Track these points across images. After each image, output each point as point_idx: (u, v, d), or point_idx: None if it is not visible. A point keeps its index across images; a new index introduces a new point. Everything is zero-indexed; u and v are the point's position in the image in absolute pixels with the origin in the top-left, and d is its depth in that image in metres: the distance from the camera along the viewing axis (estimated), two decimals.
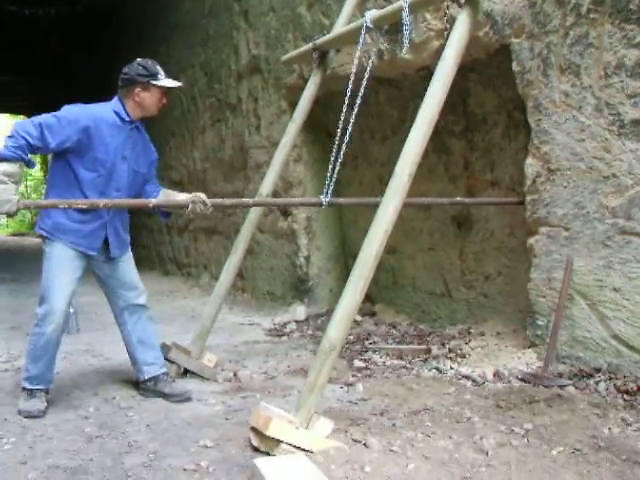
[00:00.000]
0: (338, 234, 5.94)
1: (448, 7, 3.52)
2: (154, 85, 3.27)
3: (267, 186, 3.92)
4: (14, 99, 21.88)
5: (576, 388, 3.12)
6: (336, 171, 3.42)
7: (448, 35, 3.08)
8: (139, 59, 3.34)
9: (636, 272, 3.07)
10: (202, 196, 3.27)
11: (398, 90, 4.77)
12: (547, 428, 2.65)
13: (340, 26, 4.00)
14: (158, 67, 3.31)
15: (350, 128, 3.33)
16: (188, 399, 3.33)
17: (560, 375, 3.28)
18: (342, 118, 3.42)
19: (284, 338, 4.90)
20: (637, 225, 3.06)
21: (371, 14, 3.47)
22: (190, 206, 3.24)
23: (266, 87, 6.16)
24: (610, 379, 3.11)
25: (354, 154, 5.42)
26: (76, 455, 2.63)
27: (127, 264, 3.44)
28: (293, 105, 4.84)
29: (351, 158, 5.42)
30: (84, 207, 3.09)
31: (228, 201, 3.85)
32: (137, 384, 3.51)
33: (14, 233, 25.77)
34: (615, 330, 3.17)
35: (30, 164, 3.07)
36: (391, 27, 3.63)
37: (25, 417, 3.12)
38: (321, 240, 5.86)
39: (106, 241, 3.31)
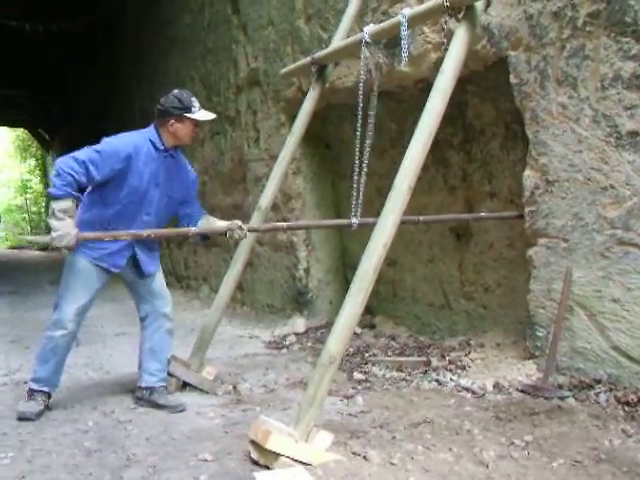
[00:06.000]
0: (338, 246, 5.94)
1: (446, 21, 3.55)
2: (188, 118, 3.36)
3: (266, 199, 3.94)
4: (14, 112, 21.98)
5: (576, 399, 3.11)
6: (362, 192, 3.39)
7: (446, 48, 3.10)
8: (176, 91, 3.45)
9: (635, 283, 3.08)
10: (238, 222, 3.40)
11: (397, 103, 4.79)
12: (547, 440, 2.65)
13: (338, 40, 4.02)
14: (193, 99, 3.41)
15: (368, 147, 3.32)
16: (182, 411, 3.35)
17: (560, 386, 3.27)
18: (358, 137, 3.39)
19: (284, 351, 4.89)
20: (635, 236, 3.06)
21: (370, 28, 3.49)
22: (228, 233, 3.37)
23: (265, 100, 6.19)
24: (610, 390, 3.10)
25: (353, 167, 5.42)
26: (75, 470, 2.62)
27: (157, 274, 3.56)
28: (292, 118, 4.86)
29: (350, 170, 5.43)
30: (129, 239, 3.25)
31: (263, 226, 3.91)
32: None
33: (13, 246, 25.75)
34: (615, 341, 3.17)
35: (79, 199, 3.25)
36: (389, 40, 3.65)
37: (18, 418, 3.22)
38: (320, 252, 5.86)
39: (134, 258, 3.42)
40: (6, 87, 17.52)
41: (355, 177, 3.44)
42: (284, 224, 3.96)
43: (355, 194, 3.43)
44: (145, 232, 3.22)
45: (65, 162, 3.13)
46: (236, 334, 5.62)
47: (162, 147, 3.38)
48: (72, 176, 3.10)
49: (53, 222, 3.07)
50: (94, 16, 11.82)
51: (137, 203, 3.33)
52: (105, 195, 3.29)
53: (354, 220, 3.50)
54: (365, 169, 3.37)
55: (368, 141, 3.30)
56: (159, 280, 3.57)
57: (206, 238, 3.73)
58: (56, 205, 3.08)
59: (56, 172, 3.12)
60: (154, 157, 3.35)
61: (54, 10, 12.00)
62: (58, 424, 3.21)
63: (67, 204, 3.10)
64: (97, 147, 3.22)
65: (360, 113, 3.39)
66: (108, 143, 3.27)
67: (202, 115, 3.43)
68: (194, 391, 3.69)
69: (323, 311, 5.74)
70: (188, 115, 3.36)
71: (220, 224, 3.51)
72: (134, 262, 3.43)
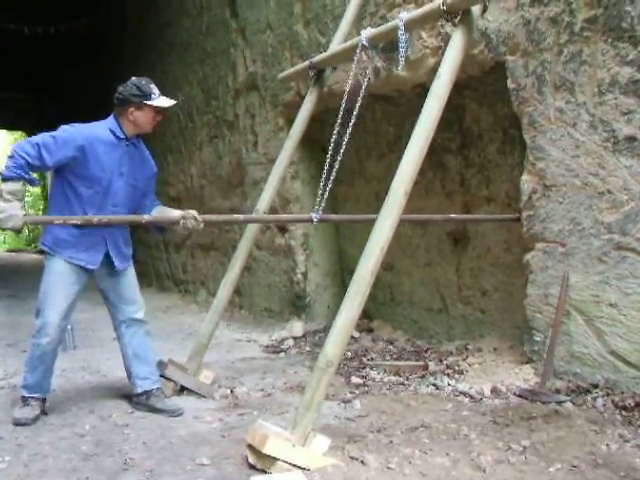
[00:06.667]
0: (335, 250, 5.94)
1: (443, 25, 3.56)
2: (147, 105, 3.34)
3: (264, 203, 3.93)
4: (12, 115, 21.95)
5: (573, 404, 3.11)
6: (328, 188, 3.42)
7: (443, 53, 3.11)
8: (134, 78, 3.41)
9: (632, 287, 3.08)
10: (193, 212, 3.33)
11: (394, 107, 4.80)
12: (545, 445, 2.64)
13: (336, 44, 4.03)
14: (152, 86, 3.37)
15: (344, 145, 3.34)
16: (180, 415, 3.34)
17: (557, 391, 3.28)
18: (334, 135, 3.43)
19: (281, 355, 4.89)
20: (632, 240, 3.07)
21: (367, 33, 3.49)
22: (181, 222, 3.29)
23: (263, 104, 6.20)
24: (607, 395, 3.11)
25: (351, 171, 5.44)
26: (72, 474, 2.61)
27: (128, 278, 3.50)
28: (290, 122, 4.86)
29: (348, 175, 5.44)
30: (79, 223, 3.17)
31: (219, 217, 3.88)
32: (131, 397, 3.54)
33: (11, 249, 25.73)
34: (612, 346, 3.17)
35: (32, 182, 3.21)
36: (387, 44, 3.66)
37: (14, 425, 3.20)
38: (318, 256, 5.87)
39: (107, 255, 3.38)
40: (4, 90, 17.51)
41: (324, 174, 3.46)
42: (241, 216, 3.93)
43: (321, 190, 3.46)
44: (95, 218, 3.16)
45: (20, 146, 3.16)
46: (234, 338, 5.61)
47: (123, 136, 3.36)
48: (25, 159, 3.11)
49: (0, 203, 3.06)
50: (93, 19, 11.83)
51: (102, 194, 3.30)
52: (69, 188, 3.28)
53: (315, 215, 3.52)
54: (336, 167, 3.38)
55: (345, 140, 3.31)
56: (131, 286, 3.51)
57: (162, 230, 3.70)
58: (5, 186, 3.08)
59: (10, 154, 3.14)
60: (115, 146, 3.33)
61: (52, 13, 12.00)
62: (55, 428, 3.20)
63: (16, 186, 3.10)
64: (53, 133, 3.22)
65: (342, 111, 3.40)
66: (64, 130, 3.27)
67: (162, 102, 3.38)
68: (191, 395, 3.68)
69: (321, 315, 5.74)
70: (148, 102, 3.33)
71: (174, 213, 3.44)
72: (107, 260, 3.39)
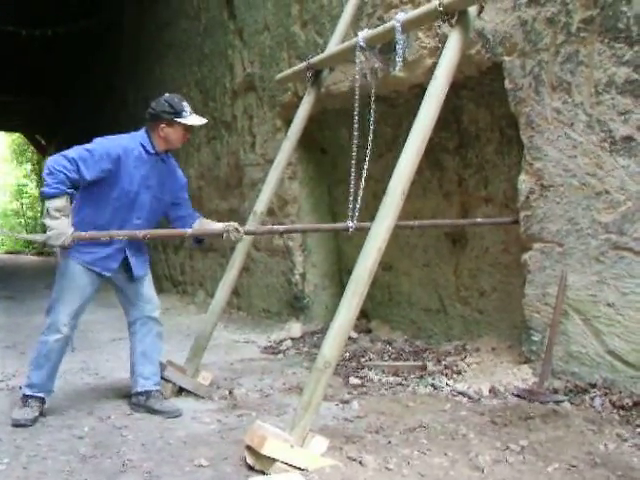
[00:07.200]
0: (333, 251, 5.94)
1: (440, 26, 3.56)
2: (178, 122, 3.36)
3: (262, 204, 3.94)
4: (10, 118, 21.96)
5: (571, 404, 3.12)
6: (359, 197, 3.39)
7: (440, 53, 3.11)
8: (166, 95, 3.44)
9: (629, 287, 3.09)
10: (234, 225, 3.40)
11: (392, 107, 4.80)
12: (543, 444, 2.65)
13: (334, 45, 4.03)
14: (184, 104, 3.40)
15: (369, 151, 3.31)
16: (178, 416, 3.35)
17: (555, 391, 3.28)
18: (355, 142, 3.39)
19: (280, 356, 4.89)
20: (630, 240, 3.08)
21: (364, 34, 3.50)
22: (224, 235, 3.36)
23: (261, 105, 6.20)
24: (605, 394, 3.11)
25: (350, 171, 5.43)
26: (70, 476, 2.61)
27: (147, 277, 3.55)
28: (288, 123, 4.87)
29: (346, 175, 5.44)
30: (125, 238, 3.23)
31: (261, 229, 3.90)
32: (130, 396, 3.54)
33: (9, 251, 25.71)
34: (610, 345, 3.18)
35: (73, 195, 3.21)
36: (384, 45, 3.66)
37: (13, 426, 3.20)
38: (316, 257, 5.87)
39: (125, 261, 3.41)
40: (2, 93, 17.50)
41: (352, 181, 3.43)
42: (280, 227, 3.96)
43: (352, 198, 3.43)
44: (142, 232, 3.22)
45: (56, 160, 3.12)
46: (232, 339, 5.61)
47: (153, 151, 3.38)
48: (64, 174, 3.08)
49: (48, 221, 3.05)
50: (90, 21, 11.83)
51: (128, 206, 3.32)
52: (96, 198, 3.28)
53: (350, 224, 3.51)
54: (364, 174, 3.35)
55: (369, 145, 3.29)
56: (148, 284, 3.55)
57: (201, 241, 3.73)
58: (50, 204, 3.05)
59: (48, 170, 3.09)
60: (145, 160, 3.35)
61: (51, 15, 12.00)
62: (53, 430, 3.19)
63: (61, 203, 3.07)
64: (88, 146, 3.21)
65: (357, 118, 3.39)
66: (99, 143, 3.26)
67: (193, 120, 3.41)
68: (190, 396, 3.68)
69: (319, 316, 5.74)
70: (179, 120, 3.35)
71: (216, 226, 3.50)
72: (125, 266, 3.42)
